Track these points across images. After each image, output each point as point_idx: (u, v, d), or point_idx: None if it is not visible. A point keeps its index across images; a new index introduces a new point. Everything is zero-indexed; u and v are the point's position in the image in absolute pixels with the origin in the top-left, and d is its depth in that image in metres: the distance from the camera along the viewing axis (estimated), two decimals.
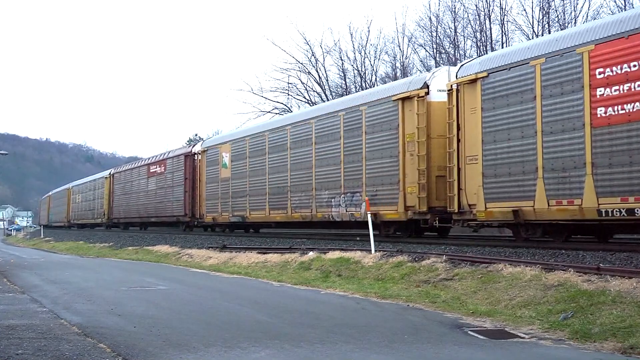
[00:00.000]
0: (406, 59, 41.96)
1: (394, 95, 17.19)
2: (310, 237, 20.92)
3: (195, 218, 30.20)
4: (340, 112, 19.48)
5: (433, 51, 38.99)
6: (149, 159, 38.61)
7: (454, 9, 37.48)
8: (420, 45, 40.49)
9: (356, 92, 36.89)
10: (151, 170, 36.18)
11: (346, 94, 38.62)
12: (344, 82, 45.16)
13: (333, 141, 19.61)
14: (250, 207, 24.67)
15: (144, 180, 37.17)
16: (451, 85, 15.53)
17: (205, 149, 29.19)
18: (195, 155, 30.28)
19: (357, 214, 18.26)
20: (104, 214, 45.20)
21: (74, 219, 56.42)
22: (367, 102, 18.35)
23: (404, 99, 16.81)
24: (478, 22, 35.88)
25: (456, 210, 15.00)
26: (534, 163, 13.04)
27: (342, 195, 18.96)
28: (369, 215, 14.36)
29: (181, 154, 32.03)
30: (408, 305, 9.10)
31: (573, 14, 32.14)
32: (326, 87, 45.76)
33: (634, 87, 11.19)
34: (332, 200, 19.44)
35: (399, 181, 16.79)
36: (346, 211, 18.76)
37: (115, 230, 44.14)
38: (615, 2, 30.46)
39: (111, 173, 45.07)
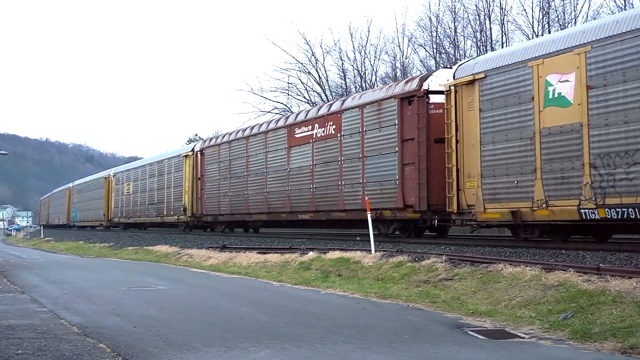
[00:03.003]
0: (406, 59, 42.00)
1: None
2: (310, 237, 20.90)
3: (436, 212, 15.86)
4: None
5: (433, 51, 39.01)
6: (291, 115, 24.62)
7: (454, 9, 37.51)
8: (420, 45, 40.53)
9: (356, 92, 36.80)
10: (299, 135, 21.56)
11: (346, 94, 38.61)
12: (344, 82, 45.20)
13: None
14: None
15: (281, 153, 22.56)
16: None
17: (485, 73, 14.02)
18: (431, 96, 16.15)
19: None
20: (185, 210, 30.43)
21: (120, 217, 41.60)
22: None
23: None
24: (478, 22, 35.90)
25: None
26: None
27: None
28: (368, 215, 14.35)
29: (389, 97, 17.43)
30: (408, 305, 9.10)
31: (573, 14, 32.19)
32: (326, 87, 45.79)
33: None
34: None
35: None
36: None
37: (116, 230, 42.24)
38: (615, 1, 30.48)
39: (197, 149, 30.01)
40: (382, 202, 17.21)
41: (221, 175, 27.04)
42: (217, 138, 28.95)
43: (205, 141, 30.47)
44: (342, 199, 18.89)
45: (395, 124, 16.92)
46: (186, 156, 30.87)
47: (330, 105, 20.85)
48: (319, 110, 21.30)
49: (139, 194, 38.02)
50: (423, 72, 33.59)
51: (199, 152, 29.55)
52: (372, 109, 17.98)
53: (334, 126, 19.68)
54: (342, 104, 19.98)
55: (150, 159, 39.19)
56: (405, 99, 16.73)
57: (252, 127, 25.96)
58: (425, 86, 16.28)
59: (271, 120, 24.91)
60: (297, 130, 21.68)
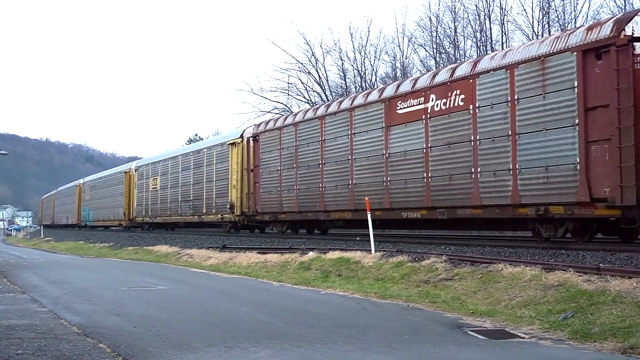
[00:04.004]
0: (406, 59, 42.04)
1: None
2: (310, 238, 20.90)
3: None
4: None
5: (433, 51, 39.05)
6: (388, 86, 18.51)
7: (454, 9, 37.58)
8: (420, 45, 40.59)
9: (356, 92, 36.79)
10: (402, 110, 16.73)
11: (346, 94, 38.62)
12: (344, 82, 45.22)
13: None
14: None
15: (375, 134, 17.71)
16: None
17: None
18: (636, 45, 11.66)
19: None
20: (232, 207, 25.53)
21: (144, 216, 36.92)
22: None
23: None
24: (478, 22, 35.95)
25: None
26: None
27: None
28: (368, 215, 14.35)
29: (562, 50, 12.70)
30: (408, 305, 9.10)
31: (573, 14, 32.23)
32: (326, 87, 45.81)
33: None
34: None
35: None
36: None
37: (116, 230, 41.73)
38: (615, 2, 30.50)
39: (247, 135, 25.15)
40: (548, 195, 12.85)
41: (284, 165, 21.95)
42: (277, 120, 23.94)
43: (258, 125, 24.96)
44: (478, 191, 14.33)
45: (574, 87, 12.31)
46: (232, 144, 25.74)
47: (454, 69, 15.71)
48: (434, 77, 16.22)
49: (168, 189, 32.90)
50: (423, 71, 33.63)
51: (250, 139, 24.38)
52: (531, 68, 13.23)
53: (462, 96, 14.90)
54: (475, 65, 14.93)
55: (185, 149, 34.25)
56: (591, 51, 12.10)
57: (329, 105, 20.94)
58: (628, 31, 11.60)
59: (357, 95, 20.10)
60: (400, 104, 16.76)
